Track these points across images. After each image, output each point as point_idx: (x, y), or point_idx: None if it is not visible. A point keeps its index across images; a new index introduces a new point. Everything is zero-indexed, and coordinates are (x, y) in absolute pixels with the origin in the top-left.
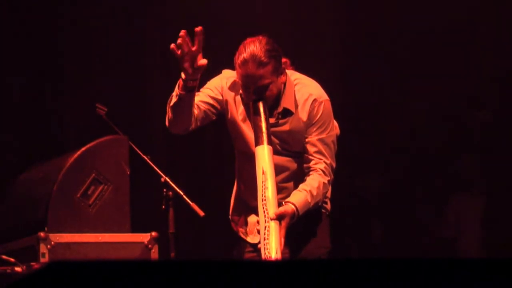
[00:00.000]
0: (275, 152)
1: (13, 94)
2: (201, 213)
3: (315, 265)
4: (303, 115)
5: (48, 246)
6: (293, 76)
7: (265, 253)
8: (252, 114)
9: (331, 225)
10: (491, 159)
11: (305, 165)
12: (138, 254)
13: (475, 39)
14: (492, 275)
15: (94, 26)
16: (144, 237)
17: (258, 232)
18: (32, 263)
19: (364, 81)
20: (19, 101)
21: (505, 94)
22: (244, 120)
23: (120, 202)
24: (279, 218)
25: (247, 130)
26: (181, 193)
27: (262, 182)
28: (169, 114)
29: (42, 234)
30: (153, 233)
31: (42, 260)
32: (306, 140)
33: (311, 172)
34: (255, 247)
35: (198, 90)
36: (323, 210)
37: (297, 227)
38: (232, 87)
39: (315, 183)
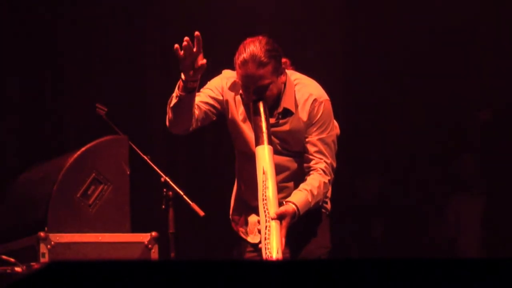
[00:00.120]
0: (276, 152)
1: (13, 94)
2: (201, 213)
3: (316, 265)
4: (303, 115)
5: (48, 246)
6: (293, 76)
7: (266, 253)
8: (252, 114)
9: (331, 225)
10: (491, 159)
11: (305, 165)
12: (138, 254)
13: (475, 39)
14: (492, 275)
15: (94, 26)
16: (144, 237)
17: (259, 231)
18: (32, 263)
19: (364, 81)
20: (19, 101)
21: (505, 94)
22: (244, 120)
23: (120, 202)
24: (280, 217)
25: (248, 130)
26: (181, 193)
27: (263, 181)
28: (169, 114)
29: (42, 234)
30: (153, 233)
31: (42, 260)
32: (307, 140)
33: (311, 172)
34: (256, 247)
35: (198, 91)
36: (323, 210)
37: (297, 227)
38: (232, 87)
39: (315, 183)
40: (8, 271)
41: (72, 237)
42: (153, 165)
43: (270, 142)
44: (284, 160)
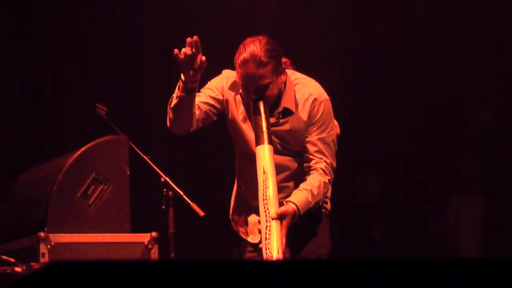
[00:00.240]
0: (276, 151)
1: (13, 94)
2: (201, 213)
3: (316, 265)
4: (303, 114)
5: (48, 246)
6: (293, 75)
7: (266, 253)
8: (252, 114)
9: (331, 225)
10: (491, 159)
11: (305, 165)
12: (138, 254)
13: (475, 39)
14: (492, 275)
15: (94, 26)
16: (144, 237)
17: (259, 231)
18: (32, 263)
19: (364, 81)
20: (19, 101)
21: (505, 94)
22: (244, 120)
23: (120, 202)
24: (280, 217)
25: (248, 130)
26: (181, 193)
27: (263, 181)
28: (170, 115)
29: (42, 234)
30: (153, 233)
31: (42, 260)
32: (307, 139)
33: (311, 172)
34: (256, 247)
35: (198, 91)
36: (323, 210)
37: (298, 227)
38: (232, 87)
39: (315, 183)
40: (8, 271)
41: (72, 237)
42: (153, 165)
43: (271, 142)
44: (284, 159)
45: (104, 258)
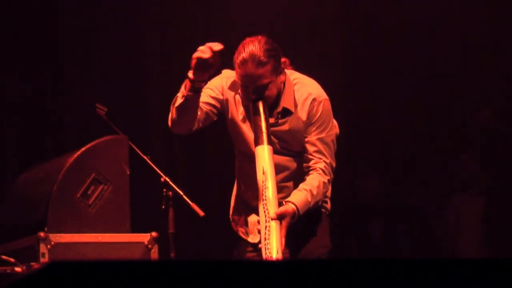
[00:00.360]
0: (275, 151)
1: (13, 94)
2: (201, 213)
3: (316, 265)
4: (302, 114)
5: (48, 246)
6: (293, 75)
7: (266, 253)
8: (251, 114)
9: (331, 224)
10: (491, 159)
11: (305, 165)
12: (138, 254)
13: (475, 39)
14: (492, 275)
15: (94, 26)
16: (144, 237)
17: (259, 232)
18: (32, 263)
19: (364, 81)
20: (19, 101)
21: (505, 94)
22: (244, 121)
23: (120, 202)
24: (280, 217)
25: (247, 130)
26: (181, 193)
27: (262, 182)
28: (173, 115)
29: (42, 234)
30: (153, 233)
31: (42, 260)
32: (306, 139)
33: (311, 172)
34: (256, 247)
35: None
36: (323, 210)
37: (297, 226)
38: (232, 86)
39: (315, 183)
40: (8, 271)
41: (72, 237)
42: (153, 165)
43: (270, 142)
44: (283, 160)
45: (104, 258)
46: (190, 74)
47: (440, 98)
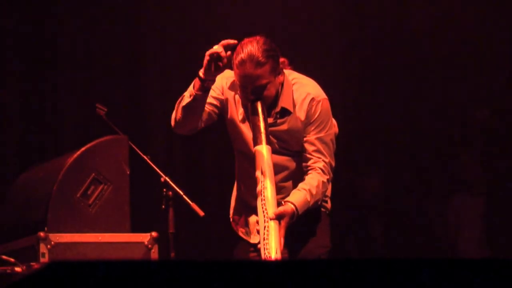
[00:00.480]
0: (274, 151)
1: (13, 94)
2: (201, 213)
3: (315, 265)
4: (301, 114)
5: (48, 246)
6: (291, 75)
7: (264, 253)
8: (250, 114)
9: (331, 224)
10: (491, 159)
11: (304, 164)
12: (138, 254)
13: (475, 39)
14: (492, 275)
15: (94, 26)
16: (144, 237)
17: (258, 232)
18: (32, 263)
19: (364, 81)
20: (19, 101)
21: (505, 94)
22: (243, 121)
23: (120, 202)
24: (279, 217)
25: (246, 130)
26: (181, 193)
27: (261, 182)
28: (178, 114)
29: (42, 234)
30: (153, 233)
31: (42, 260)
32: (305, 139)
33: (310, 171)
34: (256, 247)
35: None
36: (323, 209)
37: (297, 226)
38: (232, 87)
39: (314, 182)
40: (8, 271)
41: (72, 237)
42: (153, 165)
43: (269, 142)
44: (282, 159)
45: (104, 258)
46: (201, 73)
47: (440, 98)
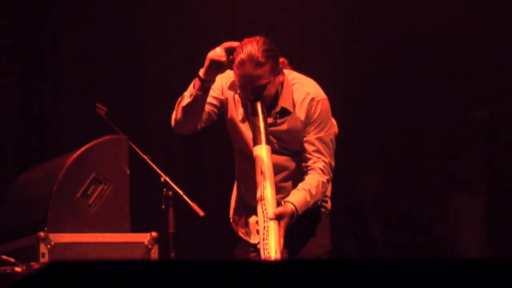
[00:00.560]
0: (274, 151)
1: (13, 94)
2: (201, 213)
3: (315, 265)
4: (301, 114)
5: (48, 246)
6: (291, 75)
7: (264, 253)
8: (250, 114)
9: (331, 224)
10: (491, 159)
11: (303, 164)
12: (138, 254)
13: (475, 39)
14: (492, 275)
15: (94, 26)
16: (144, 237)
17: (257, 232)
18: (32, 263)
19: (364, 81)
20: (19, 101)
21: (504, 94)
22: (243, 121)
23: (120, 202)
24: (278, 218)
25: (246, 130)
26: (181, 193)
27: (261, 182)
28: (178, 114)
29: (42, 234)
30: (153, 233)
31: (42, 260)
32: (305, 139)
33: (310, 171)
34: (256, 247)
35: None
36: (323, 209)
37: (297, 226)
38: (232, 87)
39: (314, 182)
40: (8, 271)
41: (72, 237)
42: (153, 165)
43: (268, 142)
44: (282, 159)
45: (104, 258)
46: (201, 73)
47: (440, 98)
